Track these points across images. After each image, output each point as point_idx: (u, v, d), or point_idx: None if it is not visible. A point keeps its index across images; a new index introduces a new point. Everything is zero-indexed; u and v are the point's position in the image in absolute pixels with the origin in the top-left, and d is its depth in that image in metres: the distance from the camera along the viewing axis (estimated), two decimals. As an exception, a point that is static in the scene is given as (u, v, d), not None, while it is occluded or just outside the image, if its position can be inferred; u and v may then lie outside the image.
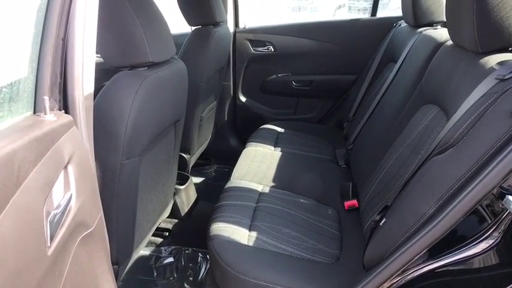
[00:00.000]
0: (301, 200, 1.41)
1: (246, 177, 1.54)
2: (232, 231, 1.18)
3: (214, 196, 1.52)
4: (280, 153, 1.78)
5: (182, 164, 1.78)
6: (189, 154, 1.81)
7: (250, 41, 2.21)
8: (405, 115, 1.29)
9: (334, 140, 1.99)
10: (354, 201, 1.38)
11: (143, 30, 1.01)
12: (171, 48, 1.20)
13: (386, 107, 1.53)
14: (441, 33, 1.36)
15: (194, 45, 1.68)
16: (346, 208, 1.38)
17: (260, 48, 2.22)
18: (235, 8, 2.19)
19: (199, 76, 1.67)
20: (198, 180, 2.29)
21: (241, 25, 2.25)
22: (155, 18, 1.11)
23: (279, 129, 2.06)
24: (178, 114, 1.34)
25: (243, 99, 2.37)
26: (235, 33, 2.21)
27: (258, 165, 1.64)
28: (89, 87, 0.81)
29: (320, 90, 2.26)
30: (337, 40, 2.14)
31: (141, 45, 1.02)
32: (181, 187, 1.68)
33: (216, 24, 1.79)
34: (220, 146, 2.43)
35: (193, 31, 1.73)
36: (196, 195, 1.83)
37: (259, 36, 2.20)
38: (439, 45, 1.25)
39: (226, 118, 2.37)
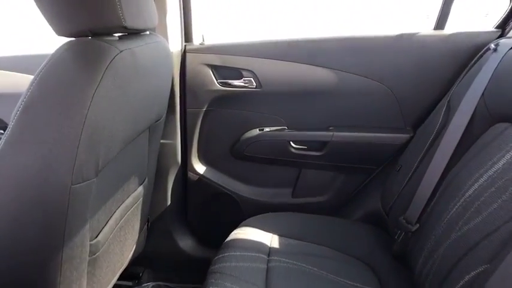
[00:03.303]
0: None
1: None
2: None
3: None
4: None
5: None
6: None
7: (214, 68, 1.20)
8: None
9: (370, 259, 1.00)
10: None
11: None
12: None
13: None
14: None
15: (58, 89, 0.64)
16: None
17: (232, 82, 1.21)
18: (183, 7, 1.19)
19: (67, 173, 0.64)
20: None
21: (195, 39, 1.24)
22: None
23: (266, 238, 1.04)
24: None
25: (199, 169, 1.33)
26: (184, 53, 1.20)
27: None
28: None
29: (340, 158, 1.26)
30: (375, 70, 1.17)
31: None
32: None
33: (128, 32, 0.78)
34: (160, 250, 1.38)
35: (61, 48, 0.67)
36: None
37: (230, 59, 1.19)
38: None
39: (169, 202, 1.32)
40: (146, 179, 1.10)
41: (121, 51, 0.70)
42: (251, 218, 1.15)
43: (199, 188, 1.33)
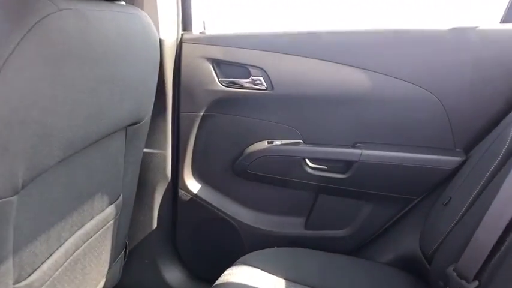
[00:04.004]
0: None
1: None
2: None
3: None
4: None
5: None
6: None
7: (215, 62, 0.98)
8: None
9: None
10: None
11: None
12: None
13: None
14: None
15: None
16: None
17: (237, 81, 0.98)
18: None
19: None
20: None
21: (194, 28, 1.03)
22: None
23: (268, 282, 0.81)
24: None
25: (192, 187, 1.09)
26: (180, 43, 0.99)
27: None
28: None
29: (368, 184, 1.00)
30: (419, 73, 0.91)
31: None
32: None
33: None
34: (141, 283, 1.14)
35: None
36: None
37: (236, 53, 0.97)
38: None
39: (154, 225, 1.09)
40: (121, 196, 0.87)
41: (61, 10, 0.48)
42: (252, 254, 0.91)
43: (192, 210, 1.09)
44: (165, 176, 1.05)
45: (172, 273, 1.14)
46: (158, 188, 1.05)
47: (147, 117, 0.86)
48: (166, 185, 1.06)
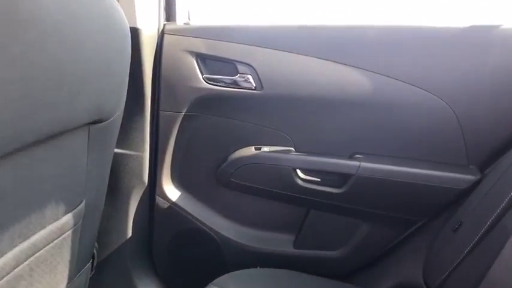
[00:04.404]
0: None
1: None
2: None
3: None
4: None
5: None
6: None
7: (200, 57, 0.88)
8: None
9: None
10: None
11: None
12: None
13: None
14: None
15: None
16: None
17: (223, 78, 0.88)
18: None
19: None
20: None
21: (179, 18, 0.93)
22: None
23: None
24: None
25: (171, 193, 0.98)
26: (162, 34, 0.89)
27: None
28: None
29: (367, 201, 0.88)
30: (429, 77, 0.80)
31: None
32: None
33: None
34: None
35: None
36: None
37: (223, 47, 0.86)
38: None
39: (129, 233, 0.99)
40: (83, 203, 0.77)
41: None
42: (229, 274, 0.80)
43: (170, 219, 0.99)
44: (142, 180, 0.95)
45: (144, 284, 1.04)
46: (133, 194, 0.95)
47: (117, 115, 0.76)
48: (142, 191, 0.96)
